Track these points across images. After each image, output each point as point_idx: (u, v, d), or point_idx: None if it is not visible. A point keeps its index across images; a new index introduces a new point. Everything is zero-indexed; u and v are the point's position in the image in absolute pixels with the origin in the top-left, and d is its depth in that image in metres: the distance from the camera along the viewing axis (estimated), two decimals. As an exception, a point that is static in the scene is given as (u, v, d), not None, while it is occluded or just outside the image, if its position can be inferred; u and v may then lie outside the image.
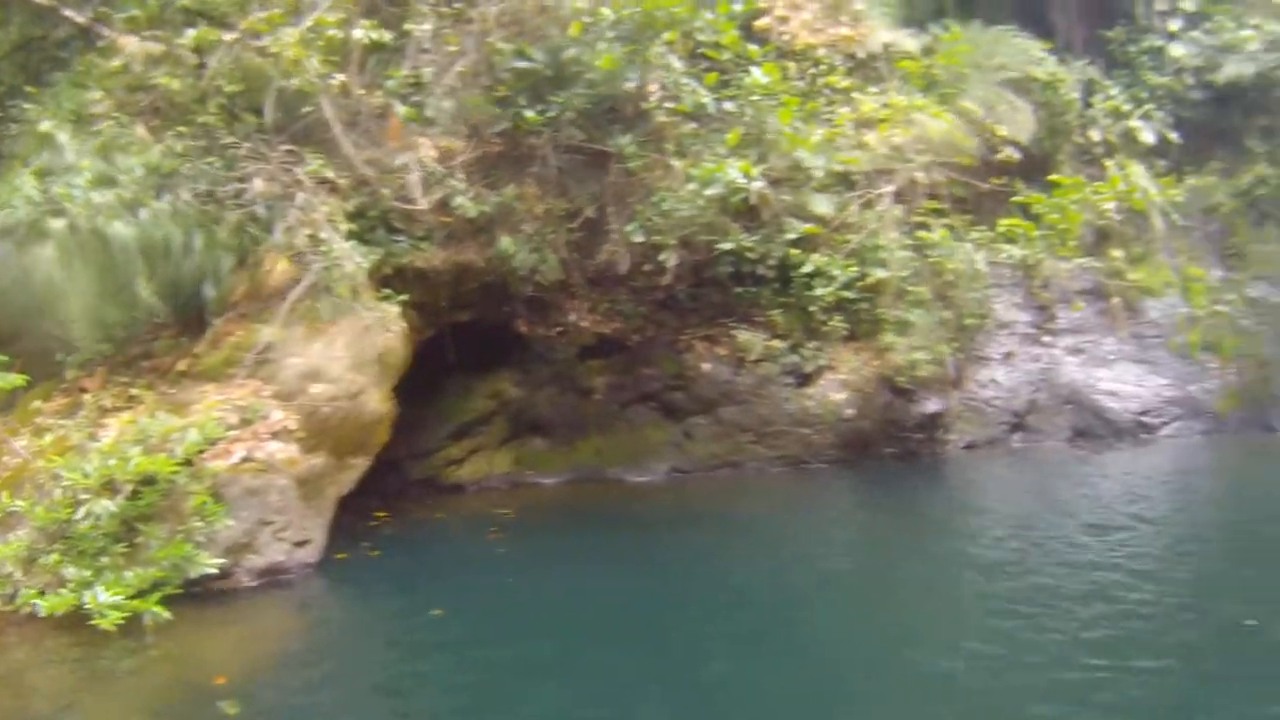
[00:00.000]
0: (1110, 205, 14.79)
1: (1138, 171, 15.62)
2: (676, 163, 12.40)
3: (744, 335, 13.71)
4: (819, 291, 13.39)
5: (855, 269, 13.44)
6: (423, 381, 11.74)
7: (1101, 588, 7.98)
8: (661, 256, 12.22)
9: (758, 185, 12.39)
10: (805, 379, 13.76)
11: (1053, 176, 14.93)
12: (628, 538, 10.48)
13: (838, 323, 13.56)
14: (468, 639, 7.33)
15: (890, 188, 13.94)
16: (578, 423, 13.46)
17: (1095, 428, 15.12)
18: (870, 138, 14.33)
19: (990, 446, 14.61)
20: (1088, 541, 9.68)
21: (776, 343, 13.70)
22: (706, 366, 13.73)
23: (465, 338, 12.72)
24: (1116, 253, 15.29)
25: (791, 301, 13.70)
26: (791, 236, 13.29)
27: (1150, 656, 6.54)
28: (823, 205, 13.63)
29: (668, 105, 12.26)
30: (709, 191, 12.04)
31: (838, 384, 13.67)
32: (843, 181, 14.01)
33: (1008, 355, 14.98)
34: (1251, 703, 5.80)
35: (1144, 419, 15.33)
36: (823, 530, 11.06)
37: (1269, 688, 6.00)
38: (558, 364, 13.44)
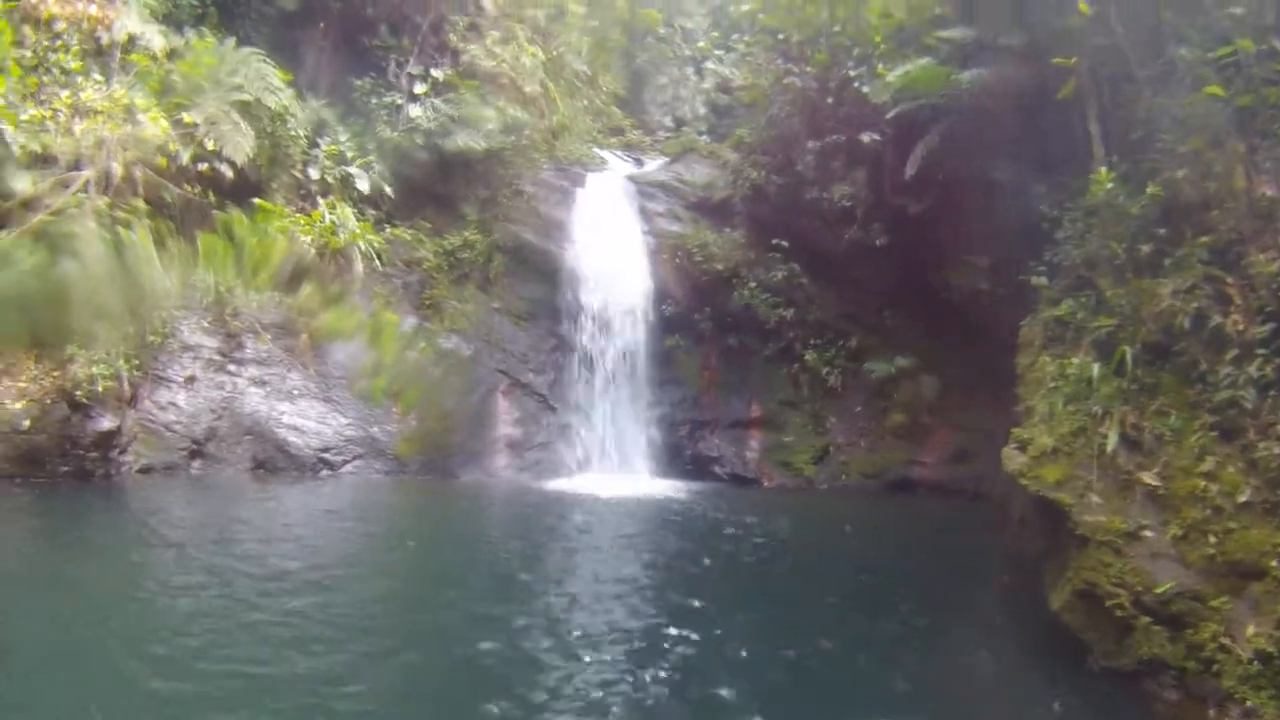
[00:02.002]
0: (309, 240, 15.21)
1: (347, 214, 16.31)
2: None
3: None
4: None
5: (45, 255, 12.25)
6: None
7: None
8: None
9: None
10: (-21, 386, 12.58)
11: (259, 201, 15.04)
12: None
13: (19, 327, 12.40)
14: None
15: (86, 173, 13.38)
16: None
17: (277, 460, 15.28)
18: (79, 127, 13.59)
19: (168, 471, 14.18)
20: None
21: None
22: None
23: None
24: (311, 289, 15.65)
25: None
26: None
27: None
28: (20, 181, 13.00)
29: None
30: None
31: (15, 392, 12.78)
32: (47, 162, 13.38)
33: (190, 380, 14.62)
34: None
35: (325, 455, 15.71)
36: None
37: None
38: None
